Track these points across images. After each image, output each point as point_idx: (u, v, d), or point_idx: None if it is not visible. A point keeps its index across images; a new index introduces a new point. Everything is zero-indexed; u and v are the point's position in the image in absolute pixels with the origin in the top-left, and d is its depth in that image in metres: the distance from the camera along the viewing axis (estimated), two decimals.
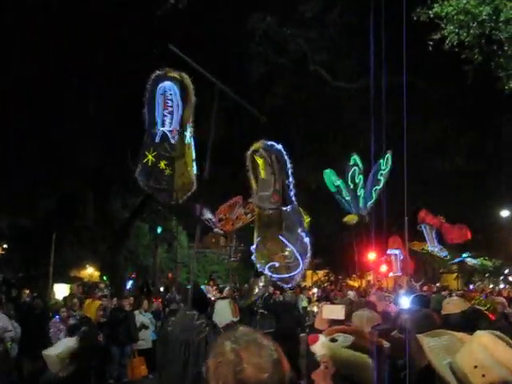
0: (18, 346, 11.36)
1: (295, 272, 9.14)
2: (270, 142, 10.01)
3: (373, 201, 17.72)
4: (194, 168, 7.99)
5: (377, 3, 8.34)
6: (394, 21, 15.26)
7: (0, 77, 15.89)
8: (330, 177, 18.98)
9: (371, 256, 27.65)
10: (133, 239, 26.55)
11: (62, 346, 7.57)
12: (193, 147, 8.13)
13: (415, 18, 11.75)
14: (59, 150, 19.22)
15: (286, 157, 9.81)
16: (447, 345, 1.97)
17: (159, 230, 26.73)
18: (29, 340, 11.17)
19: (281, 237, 9.26)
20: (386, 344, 2.30)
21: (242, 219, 19.10)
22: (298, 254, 9.08)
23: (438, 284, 31.71)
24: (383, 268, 28.63)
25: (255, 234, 9.53)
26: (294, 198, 9.65)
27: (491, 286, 37.43)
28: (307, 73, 20.02)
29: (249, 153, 9.74)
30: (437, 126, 22.30)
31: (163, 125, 8.02)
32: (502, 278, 50.67)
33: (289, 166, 9.80)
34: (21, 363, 11.48)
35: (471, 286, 32.31)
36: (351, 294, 19.40)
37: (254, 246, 9.43)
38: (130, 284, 26.19)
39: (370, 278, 33.76)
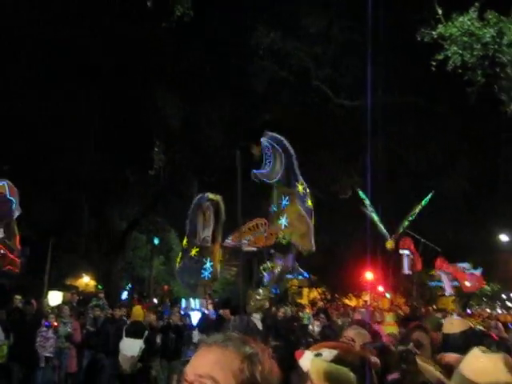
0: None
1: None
2: None
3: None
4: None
5: (378, 22, 8.31)
6: (397, 40, 15.36)
7: None
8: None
9: (368, 275, 27.55)
10: (130, 250, 26.45)
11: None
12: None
13: (419, 39, 11.78)
14: (56, 159, 19.22)
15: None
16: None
17: (156, 241, 26.64)
18: (18, 346, 11.04)
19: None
20: (375, 359, 2.24)
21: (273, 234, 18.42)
22: None
23: (434, 306, 31.53)
24: (380, 288, 28.50)
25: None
26: None
27: (488, 310, 37.22)
28: (309, 88, 20.09)
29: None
30: (438, 147, 22.30)
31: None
32: (498, 303, 50.48)
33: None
34: (10, 369, 11.33)
35: (468, 310, 32.09)
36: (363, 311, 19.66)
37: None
38: (124, 294, 26.05)
39: (367, 297, 33.59)
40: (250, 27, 18.31)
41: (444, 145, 22.35)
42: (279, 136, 13.80)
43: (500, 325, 12.64)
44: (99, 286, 24.62)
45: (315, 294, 33.43)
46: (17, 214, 11.74)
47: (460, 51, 10.95)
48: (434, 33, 11.19)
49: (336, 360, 2.11)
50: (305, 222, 13.19)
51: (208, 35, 19.21)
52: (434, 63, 11.49)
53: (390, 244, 18.83)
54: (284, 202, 13.86)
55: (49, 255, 21.32)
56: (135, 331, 10.97)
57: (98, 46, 17.47)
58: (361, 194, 20.17)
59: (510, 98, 11.24)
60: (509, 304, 51.72)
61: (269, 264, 21.22)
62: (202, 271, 13.27)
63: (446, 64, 11.24)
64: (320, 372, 2.10)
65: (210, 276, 13.47)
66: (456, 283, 25.70)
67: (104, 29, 16.91)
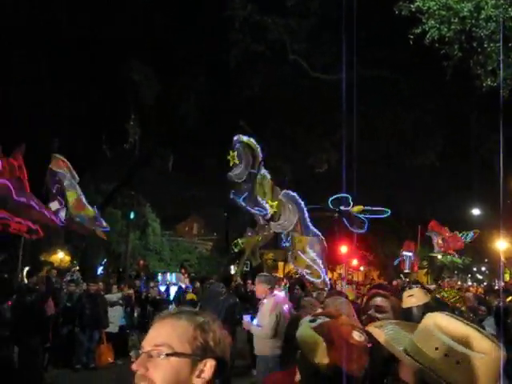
0: None
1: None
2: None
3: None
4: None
5: None
6: (374, 14, 15.30)
7: None
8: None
9: (343, 249, 27.83)
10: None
11: None
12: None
13: (397, 12, 11.74)
14: (30, 134, 18.89)
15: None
16: (394, 334, 1.94)
17: (132, 215, 26.49)
18: None
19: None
20: (359, 336, 2.22)
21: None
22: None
23: (407, 279, 32.04)
24: (354, 262, 28.89)
25: None
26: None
27: (459, 282, 37.96)
28: (286, 62, 19.98)
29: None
30: (412, 121, 22.44)
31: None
32: (469, 275, 51.56)
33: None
34: None
35: (439, 283, 32.70)
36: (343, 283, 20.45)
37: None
38: (100, 270, 25.93)
39: (341, 271, 33.96)
40: None
41: (418, 120, 22.51)
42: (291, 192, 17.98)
43: (471, 295, 12.88)
44: (74, 262, 24.48)
45: (291, 267, 33.65)
46: None
47: (437, 25, 10.95)
48: (412, 6, 11.15)
49: (317, 327, 2.15)
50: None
51: (183, 7, 18.95)
52: (411, 37, 11.48)
53: (357, 208, 19.33)
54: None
55: None
56: None
57: (73, 19, 17.14)
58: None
59: (487, 72, 11.31)
60: (479, 277, 52.91)
61: (239, 240, 21.44)
62: None
63: (423, 38, 11.24)
64: (299, 335, 2.19)
65: None
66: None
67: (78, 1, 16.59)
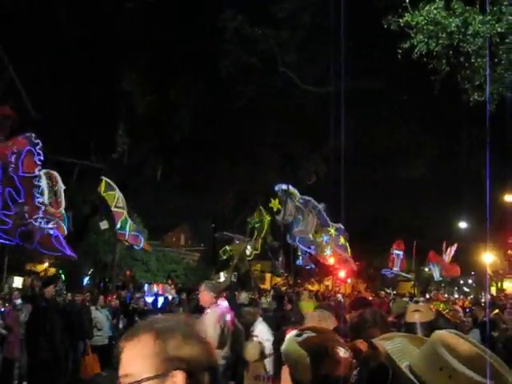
0: None
1: None
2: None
3: None
4: None
5: (347, 9, 8.32)
6: (364, 27, 15.42)
7: None
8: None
9: (330, 261, 27.84)
10: (92, 235, 26.09)
11: None
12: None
13: (386, 26, 11.83)
14: None
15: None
16: (402, 348, 1.91)
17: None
18: None
19: None
20: (345, 352, 2.21)
21: None
22: None
23: (394, 291, 32.11)
24: (342, 274, 28.86)
25: None
26: None
27: (446, 295, 38.08)
28: (276, 74, 20.07)
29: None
30: (402, 134, 22.59)
31: None
32: (456, 288, 51.70)
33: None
34: None
35: (427, 295, 32.78)
36: (339, 296, 21.12)
37: None
38: (86, 280, 25.71)
39: (329, 283, 33.98)
40: (217, 9, 18.16)
41: (408, 133, 22.65)
42: (307, 197, 21.39)
43: (459, 308, 12.94)
44: (60, 272, 24.25)
45: (278, 279, 33.62)
46: None
47: (425, 39, 11.04)
48: (400, 21, 11.24)
49: (302, 343, 2.14)
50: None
51: (174, 16, 18.99)
52: (400, 51, 11.57)
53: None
54: (325, 239, 22.25)
55: None
56: None
57: (65, 25, 17.15)
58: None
59: (473, 87, 11.40)
60: (466, 289, 53.06)
61: (228, 247, 21.46)
62: None
63: (411, 52, 11.33)
64: (284, 350, 2.17)
65: None
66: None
67: (70, 7, 16.58)
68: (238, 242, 20.11)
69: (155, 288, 22.10)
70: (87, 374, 12.53)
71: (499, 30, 10.45)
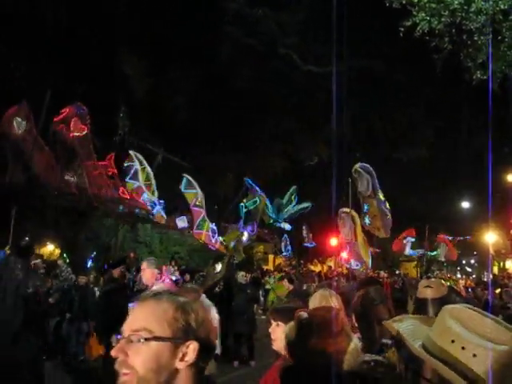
0: None
1: None
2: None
3: None
4: None
5: None
6: (366, 6, 15.30)
7: None
8: None
9: (333, 242, 27.89)
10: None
11: None
12: None
13: (388, 4, 11.72)
14: None
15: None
16: (413, 329, 1.90)
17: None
18: None
19: None
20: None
21: None
22: None
23: (397, 271, 32.18)
24: (344, 254, 28.92)
25: None
26: None
27: (449, 275, 38.17)
28: (276, 57, 19.97)
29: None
30: (404, 115, 22.52)
31: None
32: (458, 268, 51.81)
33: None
34: None
35: (429, 275, 32.94)
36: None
37: None
38: (90, 262, 25.82)
39: (331, 263, 34.08)
40: None
41: (409, 113, 22.59)
42: (367, 165, 23.67)
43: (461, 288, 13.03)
44: (64, 255, 24.36)
45: (280, 259, 33.74)
46: None
47: (428, 18, 10.95)
48: None
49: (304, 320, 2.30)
50: (381, 219, 23.81)
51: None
52: (402, 29, 11.47)
53: None
54: (366, 208, 24.33)
55: (12, 222, 20.90)
56: None
57: (66, 12, 17.11)
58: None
59: (476, 65, 11.34)
60: (468, 269, 53.18)
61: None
62: None
63: (414, 30, 11.23)
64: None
65: None
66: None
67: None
68: (230, 231, 20.26)
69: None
70: (91, 355, 12.61)
71: (502, 7, 10.37)
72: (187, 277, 18.11)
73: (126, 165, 20.51)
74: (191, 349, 1.56)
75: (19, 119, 18.52)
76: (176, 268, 21.18)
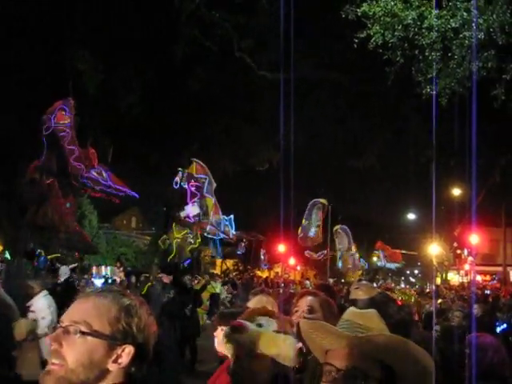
0: None
1: None
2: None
3: None
4: None
5: None
6: (321, 16, 15.45)
7: None
8: None
9: (281, 248, 28.02)
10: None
11: None
12: None
13: (343, 16, 11.87)
14: None
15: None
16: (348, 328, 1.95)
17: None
18: None
19: None
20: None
21: None
22: None
23: (342, 280, 32.58)
24: (292, 261, 29.07)
25: None
26: None
27: (393, 285, 38.90)
28: (232, 59, 19.95)
29: None
30: (354, 124, 22.81)
31: None
32: (402, 278, 52.92)
33: None
34: None
35: (374, 284, 33.50)
36: (308, 283, 21.39)
37: None
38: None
39: (279, 269, 34.24)
40: None
41: (359, 123, 22.89)
42: (345, 227, 30.09)
43: None
44: (7, 253, 23.69)
45: (228, 264, 33.70)
46: None
47: (382, 31, 11.13)
48: (358, 11, 11.29)
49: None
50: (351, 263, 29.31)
51: None
52: (356, 40, 11.64)
53: None
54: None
55: None
56: None
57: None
58: None
59: (426, 80, 11.58)
60: (412, 279, 54.36)
61: (165, 236, 21.36)
62: None
63: (367, 42, 11.40)
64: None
65: None
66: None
67: None
68: (177, 229, 20.02)
69: (103, 271, 21.80)
70: None
71: (453, 25, 10.62)
72: (133, 278, 17.89)
73: (196, 176, 19.18)
74: (126, 352, 1.52)
75: None
76: (121, 269, 20.87)
